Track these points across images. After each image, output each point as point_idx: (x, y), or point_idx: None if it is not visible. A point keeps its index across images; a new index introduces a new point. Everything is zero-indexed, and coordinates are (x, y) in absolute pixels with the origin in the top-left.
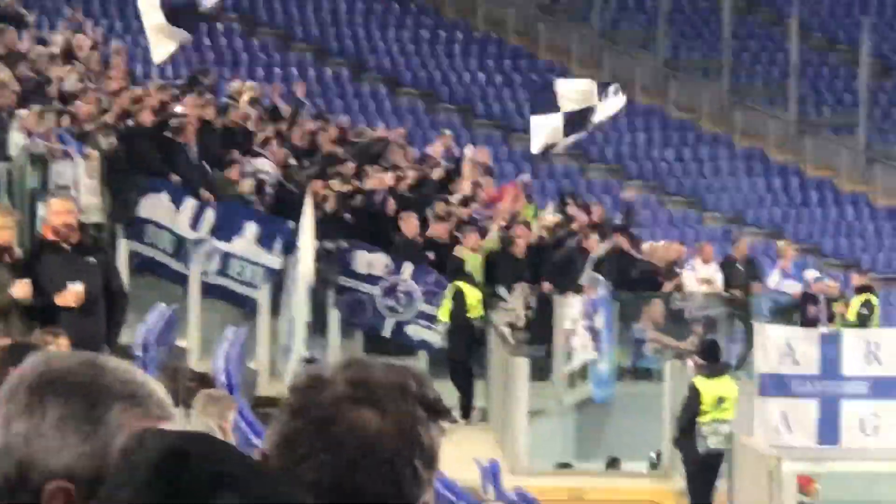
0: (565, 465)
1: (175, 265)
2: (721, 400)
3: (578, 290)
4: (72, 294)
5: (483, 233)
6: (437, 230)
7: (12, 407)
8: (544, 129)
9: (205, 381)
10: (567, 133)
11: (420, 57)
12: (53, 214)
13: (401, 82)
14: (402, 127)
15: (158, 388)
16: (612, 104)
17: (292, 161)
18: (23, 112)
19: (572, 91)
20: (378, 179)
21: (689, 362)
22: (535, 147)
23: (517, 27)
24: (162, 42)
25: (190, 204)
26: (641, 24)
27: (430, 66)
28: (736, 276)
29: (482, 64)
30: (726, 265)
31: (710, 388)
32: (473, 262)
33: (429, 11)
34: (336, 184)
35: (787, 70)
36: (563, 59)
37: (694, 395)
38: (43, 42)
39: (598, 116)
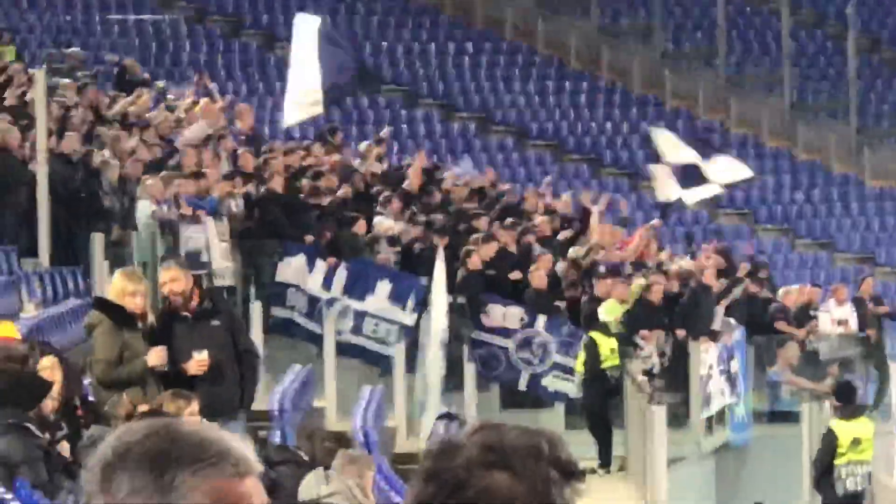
0: None
1: (309, 325)
2: (857, 441)
3: (713, 335)
4: (197, 363)
5: (619, 282)
6: (571, 282)
7: (91, 485)
8: (666, 178)
9: (343, 440)
10: (688, 185)
11: (546, 108)
12: (162, 283)
13: (527, 134)
14: (530, 178)
15: (238, 445)
16: (737, 171)
17: (421, 217)
18: (150, 179)
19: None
20: (510, 235)
21: (827, 404)
22: (660, 196)
23: (643, 76)
24: (298, 109)
25: (322, 265)
26: (766, 66)
27: (557, 117)
28: (866, 316)
29: (608, 113)
30: (857, 305)
31: (846, 430)
32: (609, 311)
33: (553, 63)
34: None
35: None
36: (690, 105)
37: (831, 438)
38: (170, 108)
39: (725, 177)
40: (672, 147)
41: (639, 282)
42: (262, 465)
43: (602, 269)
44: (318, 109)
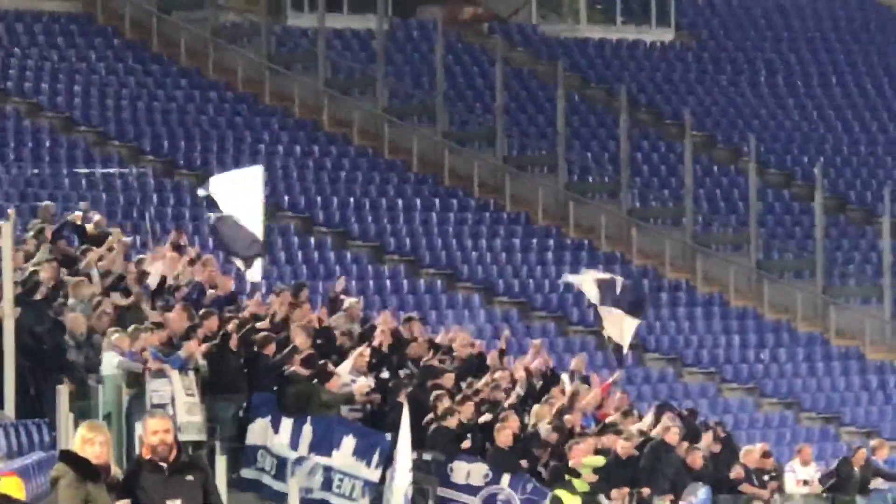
0: None
1: (276, 485)
2: None
3: (678, 494)
4: None
5: (586, 440)
6: (547, 437)
7: None
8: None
9: None
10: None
11: (512, 265)
12: (151, 433)
13: (495, 292)
14: (496, 336)
15: None
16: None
17: (385, 373)
18: (116, 332)
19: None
20: (477, 392)
21: None
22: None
23: (609, 232)
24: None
25: (287, 423)
26: (733, 225)
27: (523, 274)
28: (850, 482)
29: (575, 269)
30: (841, 469)
31: None
32: (574, 469)
33: (521, 220)
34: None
35: (881, 267)
36: (657, 263)
37: None
38: (138, 263)
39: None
40: (592, 286)
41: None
42: None
43: (569, 426)
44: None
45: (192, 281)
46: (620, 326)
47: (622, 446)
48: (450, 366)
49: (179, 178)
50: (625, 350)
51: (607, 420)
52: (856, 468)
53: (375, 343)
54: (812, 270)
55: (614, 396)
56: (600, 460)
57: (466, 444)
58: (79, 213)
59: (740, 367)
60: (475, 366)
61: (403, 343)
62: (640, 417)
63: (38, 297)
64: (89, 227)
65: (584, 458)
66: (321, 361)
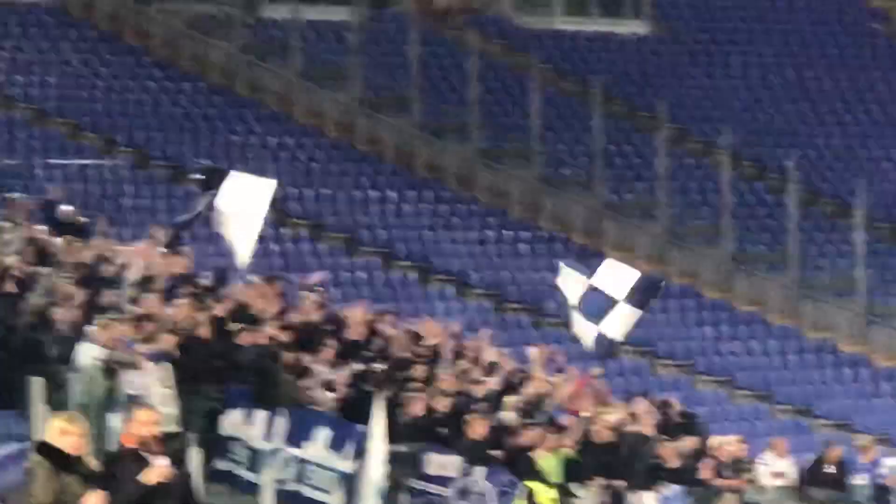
0: None
1: (250, 477)
2: None
3: (651, 486)
4: (157, 470)
5: (560, 432)
6: (512, 432)
7: None
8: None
9: None
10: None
11: (487, 257)
12: (140, 424)
13: (468, 283)
14: (469, 328)
15: None
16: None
17: (358, 365)
18: (95, 323)
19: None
20: (450, 383)
21: None
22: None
23: (583, 226)
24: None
25: (261, 414)
26: (705, 218)
27: (497, 267)
28: (825, 478)
29: (549, 265)
30: (816, 467)
31: None
32: (547, 461)
33: (496, 213)
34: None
35: (854, 261)
36: (630, 256)
37: None
38: (110, 252)
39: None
40: (574, 286)
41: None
42: None
43: (544, 418)
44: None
45: (170, 273)
46: (622, 319)
47: (597, 433)
48: (423, 358)
49: (153, 170)
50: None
51: (581, 414)
52: (830, 466)
53: (349, 336)
54: (785, 263)
55: (591, 391)
56: (566, 453)
57: (441, 432)
58: (67, 208)
59: (713, 359)
60: (449, 358)
61: (377, 335)
62: (617, 409)
63: (10, 288)
64: (65, 216)
65: (550, 452)
66: (296, 354)
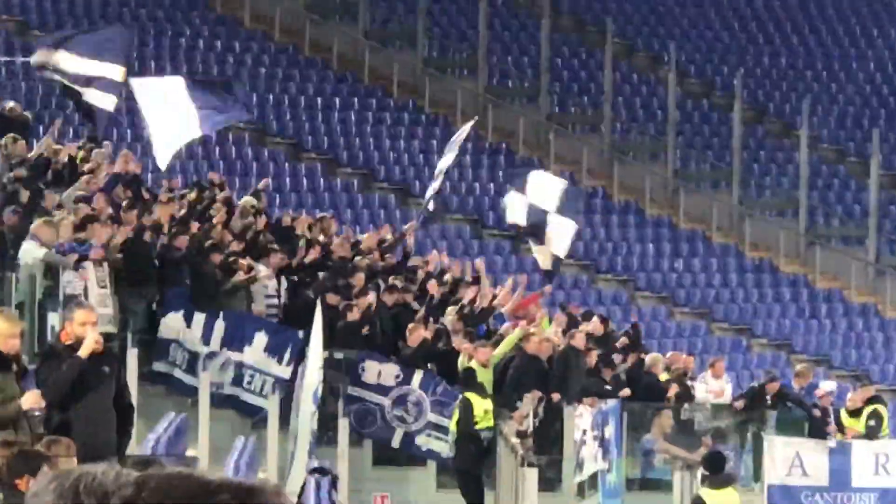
0: None
1: (187, 379)
2: None
3: (588, 400)
4: (90, 342)
5: (499, 344)
6: (455, 342)
7: None
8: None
9: None
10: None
11: (429, 168)
12: (78, 324)
13: (412, 193)
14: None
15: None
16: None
17: (299, 271)
18: (34, 223)
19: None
20: (390, 291)
21: (698, 473)
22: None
23: (528, 138)
24: (167, 147)
25: (200, 318)
26: (650, 134)
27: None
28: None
29: (492, 176)
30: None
31: (714, 500)
32: (485, 373)
33: (439, 122)
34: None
35: (797, 181)
36: (573, 169)
37: None
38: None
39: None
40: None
41: (512, 336)
42: None
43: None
44: (188, 139)
45: (111, 172)
46: (559, 231)
47: (536, 346)
48: (364, 265)
49: None
50: (563, 256)
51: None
52: (767, 397)
53: (291, 242)
54: (728, 181)
55: (531, 304)
56: (504, 365)
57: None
58: (12, 104)
59: (654, 275)
60: (390, 266)
61: (319, 242)
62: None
63: None
64: (7, 112)
65: (488, 363)
66: (236, 259)
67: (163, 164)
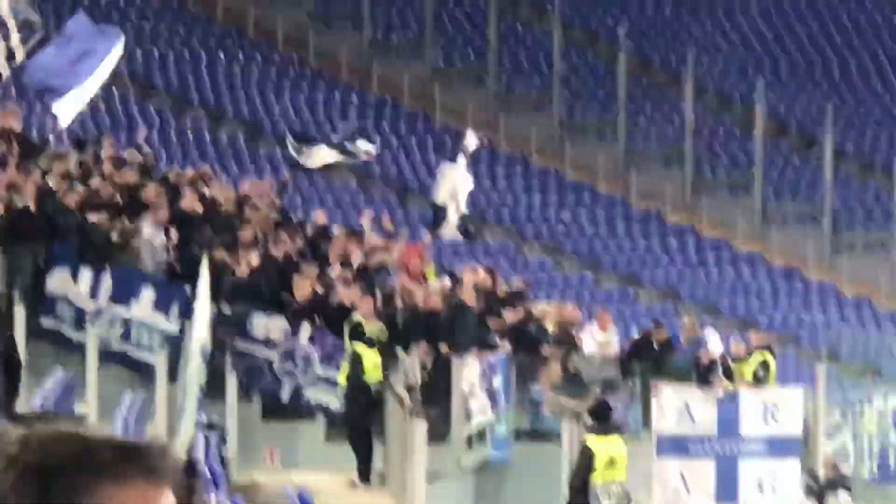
0: None
1: (75, 336)
2: (612, 461)
3: (476, 351)
4: None
5: (387, 295)
6: (341, 294)
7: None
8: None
9: None
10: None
11: (316, 121)
12: None
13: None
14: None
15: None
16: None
17: (185, 226)
18: None
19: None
20: (277, 244)
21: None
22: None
23: (413, 90)
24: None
25: (87, 274)
26: (536, 86)
27: (326, 130)
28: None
29: (378, 127)
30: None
31: (602, 449)
32: (373, 326)
33: (324, 77)
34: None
35: (683, 131)
36: (458, 122)
37: (587, 454)
38: None
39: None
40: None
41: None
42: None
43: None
44: (87, 99)
45: None
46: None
47: (423, 299)
48: (250, 218)
49: None
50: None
51: (409, 279)
52: (655, 344)
53: (177, 197)
54: (614, 132)
55: (418, 257)
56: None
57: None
58: None
59: (541, 226)
60: (275, 220)
61: (205, 196)
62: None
63: None
64: None
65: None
66: (122, 214)
67: (65, 121)
